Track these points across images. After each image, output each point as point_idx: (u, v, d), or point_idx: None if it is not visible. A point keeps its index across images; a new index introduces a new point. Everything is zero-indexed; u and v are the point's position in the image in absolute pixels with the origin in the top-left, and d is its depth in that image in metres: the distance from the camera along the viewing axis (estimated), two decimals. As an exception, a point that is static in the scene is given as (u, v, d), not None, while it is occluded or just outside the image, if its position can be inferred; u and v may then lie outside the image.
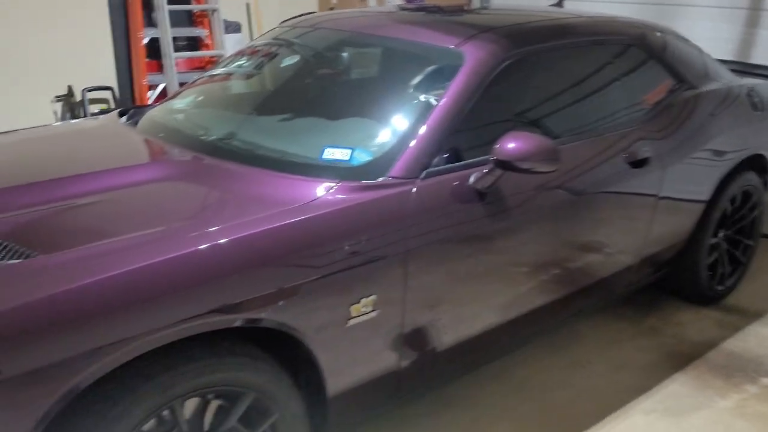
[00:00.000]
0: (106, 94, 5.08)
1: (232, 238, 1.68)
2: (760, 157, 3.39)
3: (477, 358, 2.45)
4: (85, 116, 4.86)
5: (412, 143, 2.09)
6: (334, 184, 1.95)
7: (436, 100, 2.20)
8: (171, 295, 1.55)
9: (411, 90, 2.33)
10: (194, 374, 1.63)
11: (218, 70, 3.02)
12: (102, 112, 5.05)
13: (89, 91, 4.89)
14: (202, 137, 2.35)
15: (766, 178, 3.51)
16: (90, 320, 1.45)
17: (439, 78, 2.30)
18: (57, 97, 4.96)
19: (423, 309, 2.07)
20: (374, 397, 2.11)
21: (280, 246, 1.73)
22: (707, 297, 3.35)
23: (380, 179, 2.00)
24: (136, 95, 5.00)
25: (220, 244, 1.66)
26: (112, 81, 5.08)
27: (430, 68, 2.37)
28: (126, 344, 1.49)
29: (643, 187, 2.72)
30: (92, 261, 1.57)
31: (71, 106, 4.94)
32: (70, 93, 4.91)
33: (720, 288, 3.38)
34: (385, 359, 2.04)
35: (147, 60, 5.01)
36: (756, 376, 2.81)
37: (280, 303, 1.71)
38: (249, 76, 2.90)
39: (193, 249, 1.63)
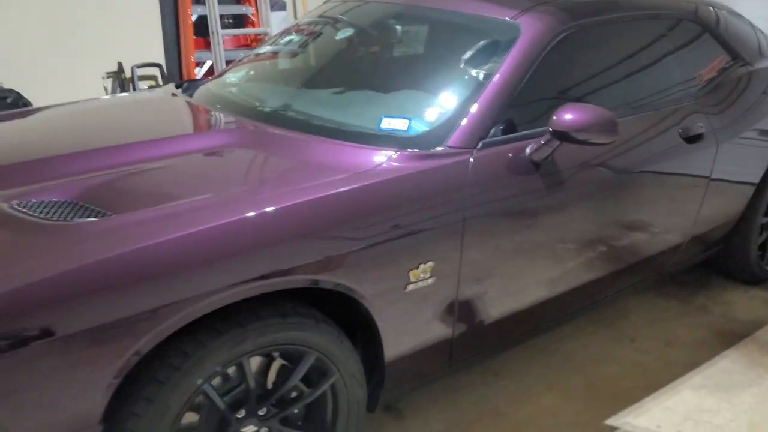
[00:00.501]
0: (155, 71, 5.18)
1: (299, 201, 1.73)
2: (814, 136, 3.33)
3: (525, 331, 2.47)
4: (135, 91, 4.97)
5: (469, 114, 2.11)
6: (393, 153, 1.98)
7: (491, 72, 2.21)
8: (238, 255, 1.60)
9: (466, 62, 2.34)
10: (261, 332, 1.69)
11: (269, 47, 3.06)
12: (150, 88, 5.15)
13: (139, 67, 5.00)
14: (260, 108, 2.40)
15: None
16: (165, 276, 1.51)
17: (495, 50, 2.31)
18: (107, 73, 5.07)
19: (476, 279, 2.10)
20: (428, 364, 2.15)
21: (344, 210, 1.77)
22: (757, 277, 3.32)
23: (438, 149, 2.03)
24: (184, 72, 5.09)
25: (287, 207, 1.71)
26: (160, 58, 5.18)
27: (485, 40, 2.37)
28: (198, 300, 1.55)
29: (696, 165, 2.70)
30: (166, 221, 1.62)
31: (121, 82, 5.05)
32: (120, 69, 5.02)
33: (769, 268, 3.35)
34: (440, 327, 2.08)
35: (194, 38, 5.09)
36: (807, 356, 2.79)
37: (343, 266, 1.76)
38: (302, 52, 2.94)
39: (260, 211, 1.68)
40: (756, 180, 3.04)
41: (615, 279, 2.64)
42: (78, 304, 1.43)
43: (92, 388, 1.48)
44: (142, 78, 5.11)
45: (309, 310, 1.80)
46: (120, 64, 5.03)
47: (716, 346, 2.84)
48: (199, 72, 5.09)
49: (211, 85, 2.80)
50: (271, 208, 1.69)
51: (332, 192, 1.78)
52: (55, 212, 1.69)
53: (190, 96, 2.71)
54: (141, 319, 1.48)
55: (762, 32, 3.35)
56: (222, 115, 2.41)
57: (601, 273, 2.54)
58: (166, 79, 5.13)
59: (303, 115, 2.30)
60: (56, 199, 1.75)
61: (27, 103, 4.50)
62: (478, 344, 2.30)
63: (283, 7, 5.36)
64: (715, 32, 2.96)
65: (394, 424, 2.36)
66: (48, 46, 4.81)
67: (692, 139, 2.64)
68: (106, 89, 5.11)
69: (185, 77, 5.04)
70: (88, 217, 1.67)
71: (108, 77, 5.08)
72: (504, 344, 2.46)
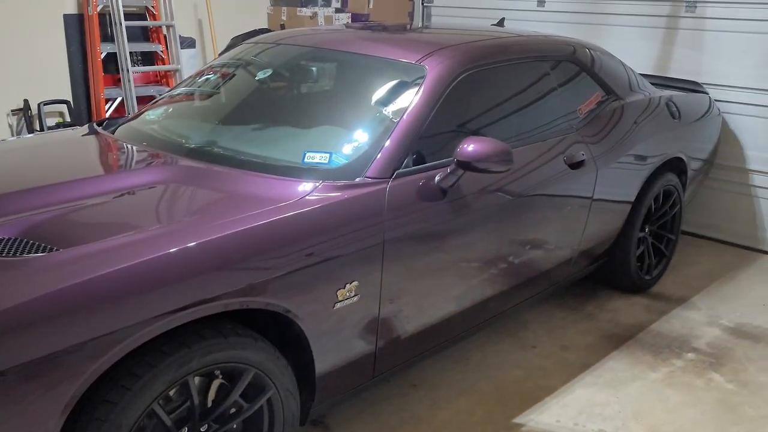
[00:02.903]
0: (62, 108, 5.15)
1: (232, 231, 1.90)
2: (678, 159, 3.82)
3: (439, 342, 2.72)
4: (41, 130, 4.92)
5: (384, 147, 2.36)
6: (317, 184, 2.19)
7: (402, 109, 2.48)
8: (170, 286, 1.75)
9: (380, 100, 2.61)
10: (205, 352, 1.84)
11: (188, 86, 3.20)
12: (58, 125, 5.10)
13: (46, 104, 4.96)
14: (187, 144, 2.55)
15: (683, 179, 3.95)
16: (108, 306, 1.64)
17: (403, 89, 2.59)
18: (13, 110, 5.00)
19: (395, 296, 2.33)
20: (355, 377, 2.35)
21: (275, 238, 1.96)
22: (637, 286, 3.74)
23: (357, 179, 2.26)
24: (93, 109, 5.09)
25: (222, 237, 1.88)
26: (67, 95, 5.16)
27: (395, 81, 2.65)
28: (145, 326, 1.69)
29: (580, 188, 3.07)
30: (109, 254, 1.75)
31: (28, 119, 4.99)
32: (27, 107, 4.96)
33: (647, 278, 3.78)
34: (365, 341, 2.29)
35: (103, 74, 5.11)
36: (680, 352, 3.19)
37: (277, 289, 1.94)
38: (220, 91, 3.10)
39: (190, 244, 1.82)
40: (632, 199, 3.46)
41: (515, 292, 2.95)
42: (29, 334, 1.53)
43: (47, 412, 1.58)
44: (49, 115, 5.07)
45: (247, 330, 1.97)
46: (26, 102, 4.98)
47: (604, 348, 3.20)
48: (109, 109, 5.11)
49: (135, 123, 2.91)
50: (201, 241, 1.84)
51: (263, 222, 1.96)
52: (3, 249, 1.78)
53: (113, 134, 2.82)
54: (90, 346, 1.60)
55: (632, 69, 3.82)
56: (151, 152, 2.53)
57: (503, 287, 2.84)
58: (74, 117, 5.11)
59: (230, 151, 2.47)
60: (3, 237, 1.84)
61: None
62: (398, 356, 2.52)
63: (192, 45, 5.48)
64: (590, 71, 3.37)
65: (324, 436, 2.55)
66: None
67: (575, 165, 3.01)
68: (11, 127, 5.03)
69: (94, 114, 5.05)
70: (34, 252, 1.77)
71: (13, 114, 5.00)
72: (420, 356, 2.70)
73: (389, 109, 2.52)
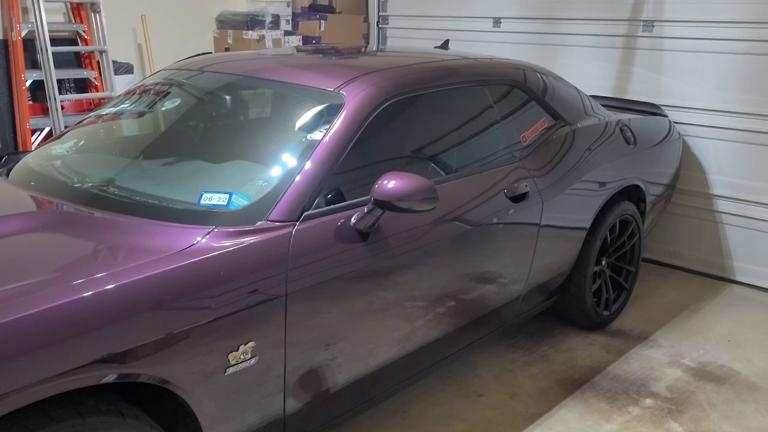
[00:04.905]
0: (-13, 139, 4.85)
1: (99, 290, 1.62)
2: (635, 187, 3.60)
3: (370, 395, 2.44)
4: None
5: (291, 186, 2.10)
6: (209, 230, 1.92)
7: (316, 141, 2.22)
8: (32, 353, 1.47)
9: (294, 132, 2.35)
10: (55, 438, 1.55)
11: (101, 113, 2.93)
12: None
13: (-32, 135, 4.65)
14: (77, 185, 2.27)
15: (642, 207, 3.72)
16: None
17: (320, 120, 2.33)
18: (-68, 143, 4.69)
19: (306, 351, 2.05)
20: (260, 446, 2.07)
21: (151, 296, 1.68)
22: (594, 322, 3.49)
23: (258, 223, 1.99)
24: (19, 140, 4.79)
25: (85, 297, 1.59)
26: (-7, 125, 4.85)
27: (311, 110, 2.40)
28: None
29: (524, 219, 2.82)
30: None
31: (-52, 151, 4.68)
32: (-53, 138, 4.66)
33: (606, 313, 3.53)
34: (269, 406, 2.01)
35: (32, 103, 4.82)
36: (638, 398, 2.94)
37: (152, 355, 1.66)
38: (131, 120, 2.84)
39: (55, 303, 1.55)
40: (585, 227, 3.22)
41: (459, 334, 2.68)
42: None
43: None
44: (-27, 147, 4.76)
45: (114, 406, 1.67)
46: (-53, 133, 4.68)
47: (557, 395, 2.94)
48: (36, 139, 4.81)
49: (31, 159, 2.63)
50: (62, 301, 1.57)
51: (136, 278, 1.68)
52: None
53: (8, 171, 2.54)
54: None
55: (584, 93, 3.61)
56: (35, 196, 2.24)
57: (443, 330, 2.58)
58: (0, 148, 4.80)
59: (123, 192, 2.19)
60: None
61: None
62: (319, 415, 2.24)
63: (129, 71, 5.21)
64: (536, 95, 3.15)
65: None
66: None
67: (518, 198, 2.76)
68: (-71, 160, 4.70)
69: (21, 145, 4.75)
70: None
71: (-67, 147, 4.69)
72: (348, 412, 2.41)
73: (302, 143, 2.26)
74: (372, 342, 2.28)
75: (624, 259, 3.64)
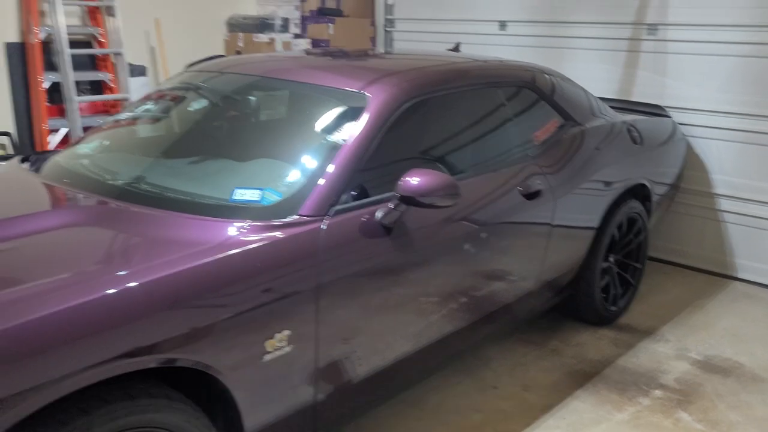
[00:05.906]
0: (5, 140, 4.92)
1: (143, 281, 1.71)
2: (642, 186, 3.70)
3: (392, 386, 2.54)
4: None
5: (320, 182, 2.19)
6: (244, 224, 2.01)
7: (341, 140, 2.32)
8: (83, 340, 1.56)
9: (318, 131, 2.44)
10: (109, 418, 1.63)
11: (125, 115, 3.03)
12: (0, 158, 4.88)
13: (-14, 136, 4.74)
14: (110, 182, 2.36)
15: (648, 206, 3.82)
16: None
17: (344, 119, 2.42)
18: (-48, 143, 4.78)
19: (336, 342, 2.14)
20: (292, 430, 2.15)
21: (192, 287, 1.77)
22: (603, 318, 3.59)
23: (290, 218, 2.08)
24: (36, 141, 4.87)
25: (130, 288, 1.68)
26: (10, 126, 4.93)
27: (335, 110, 2.49)
28: (37, 392, 1.49)
29: (537, 217, 2.92)
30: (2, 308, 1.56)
31: (-33, 152, 4.77)
32: (-34, 139, 4.75)
33: (614, 309, 3.63)
34: (302, 393, 2.10)
35: (49, 105, 4.90)
36: (647, 389, 3.03)
37: (195, 342, 1.75)
38: (157, 120, 2.92)
39: (102, 294, 1.64)
40: (594, 226, 3.32)
41: (474, 328, 2.77)
42: None
43: None
44: (-9, 147, 4.85)
45: (161, 389, 1.76)
46: (-34, 134, 4.76)
47: (569, 387, 3.03)
48: (53, 140, 4.89)
49: (60, 158, 2.71)
50: (113, 290, 1.65)
51: (178, 269, 1.77)
52: None
53: (38, 169, 2.62)
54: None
55: (592, 95, 3.70)
56: (70, 191, 2.33)
57: (460, 324, 2.67)
58: (17, 149, 4.88)
59: (155, 188, 2.28)
60: None
61: None
62: (345, 406, 2.33)
63: (143, 73, 5.30)
64: (549, 98, 3.24)
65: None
66: None
67: (531, 195, 2.86)
68: (-50, 160, 4.79)
69: (38, 146, 4.83)
70: None
71: (-47, 147, 4.78)
72: (372, 402, 2.51)
73: (327, 142, 2.35)
74: (393, 335, 2.37)
75: (631, 256, 3.73)
